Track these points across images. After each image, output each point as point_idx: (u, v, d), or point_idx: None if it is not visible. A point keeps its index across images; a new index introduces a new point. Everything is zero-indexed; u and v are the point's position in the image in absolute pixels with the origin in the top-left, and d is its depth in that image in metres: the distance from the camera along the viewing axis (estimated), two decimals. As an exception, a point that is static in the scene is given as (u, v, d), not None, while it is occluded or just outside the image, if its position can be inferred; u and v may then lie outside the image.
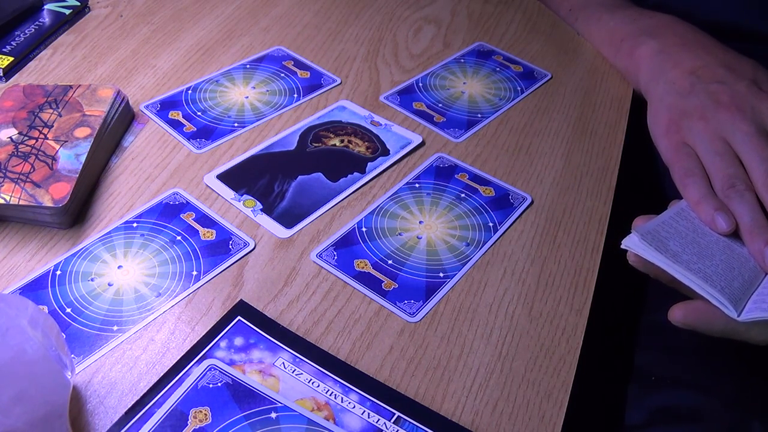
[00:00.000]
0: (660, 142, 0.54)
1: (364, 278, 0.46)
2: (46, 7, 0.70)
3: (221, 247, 0.48)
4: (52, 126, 0.53)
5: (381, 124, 0.59)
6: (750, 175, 0.47)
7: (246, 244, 0.48)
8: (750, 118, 0.49)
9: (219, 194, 0.52)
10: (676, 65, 0.57)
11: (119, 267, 0.46)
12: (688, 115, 0.52)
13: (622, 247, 0.44)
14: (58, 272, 0.45)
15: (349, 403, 0.39)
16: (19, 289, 0.44)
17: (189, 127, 0.57)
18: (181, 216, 0.50)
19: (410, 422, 0.38)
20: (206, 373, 0.40)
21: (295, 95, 0.62)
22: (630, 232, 0.44)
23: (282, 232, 0.49)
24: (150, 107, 0.59)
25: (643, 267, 0.44)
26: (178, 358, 0.41)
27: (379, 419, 0.38)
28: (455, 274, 0.47)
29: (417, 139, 0.58)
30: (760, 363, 0.52)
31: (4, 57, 0.63)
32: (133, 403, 0.38)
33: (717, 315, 0.40)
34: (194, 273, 0.46)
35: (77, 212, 0.49)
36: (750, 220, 0.44)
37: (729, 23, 0.64)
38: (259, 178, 0.53)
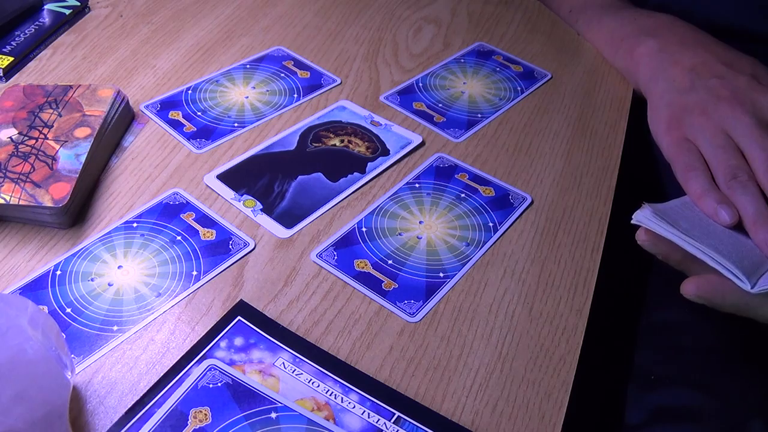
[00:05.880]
0: (661, 140, 0.54)
1: (364, 278, 0.46)
2: (46, 7, 0.70)
3: (221, 247, 0.48)
4: (52, 126, 0.53)
5: (381, 124, 0.59)
6: (752, 166, 0.47)
7: (246, 244, 0.48)
8: (750, 111, 0.49)
9: (219, 194, 0.52)
10: (675, 63, 0.57)
11: (119, 267, 0.46)
12: (689, 111, 0.52)
13: (633, 221, 0.43)
14: (58, 272, 0.45)
15: (349, 403, 0.39)
16: (19, 289, 0.44)
17: (189, 127, 0.57)
18: (181, 216, 0.50)
19: (410, 422, 0.38)
20: (206, 373, 0.40)
21: (295, 95, 0.62)
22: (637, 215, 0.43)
23: (282, 232, 0.49)
24: (150, 107, 0.59)
25: (652, 245, 0.43)
26: (178, 358, 0.41)
27: (379, 419, 0.38)
28: (455, 274, 0.47)
29: (417, 139, 0.58)
30: (760, 363, 0.52)
31: (4, 57, 0.63)
32: (133, 403, 0.38)
33: (730, 288, 0.40)
34: (194, 273, 0.46)
35: (77, 212, 0.49)
36: (754, 210, 0.44)
37: (729, 24, 0.64)
38: (259, 178, 0.53)
